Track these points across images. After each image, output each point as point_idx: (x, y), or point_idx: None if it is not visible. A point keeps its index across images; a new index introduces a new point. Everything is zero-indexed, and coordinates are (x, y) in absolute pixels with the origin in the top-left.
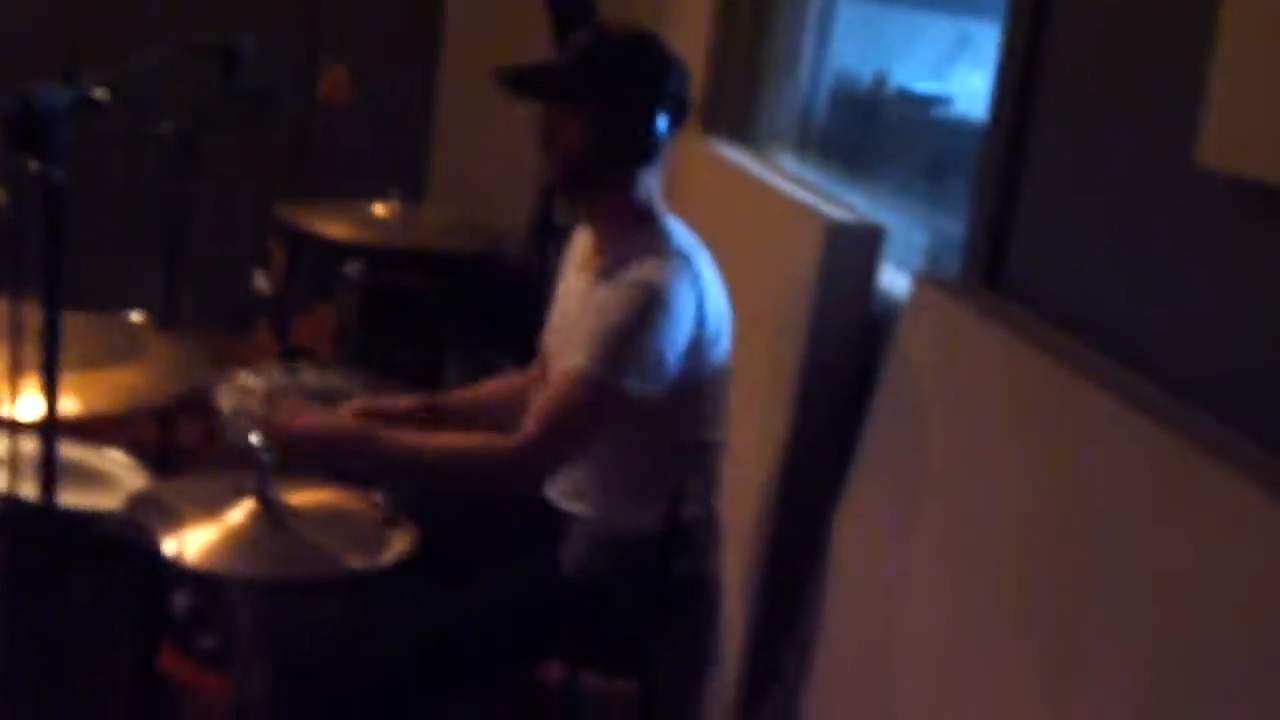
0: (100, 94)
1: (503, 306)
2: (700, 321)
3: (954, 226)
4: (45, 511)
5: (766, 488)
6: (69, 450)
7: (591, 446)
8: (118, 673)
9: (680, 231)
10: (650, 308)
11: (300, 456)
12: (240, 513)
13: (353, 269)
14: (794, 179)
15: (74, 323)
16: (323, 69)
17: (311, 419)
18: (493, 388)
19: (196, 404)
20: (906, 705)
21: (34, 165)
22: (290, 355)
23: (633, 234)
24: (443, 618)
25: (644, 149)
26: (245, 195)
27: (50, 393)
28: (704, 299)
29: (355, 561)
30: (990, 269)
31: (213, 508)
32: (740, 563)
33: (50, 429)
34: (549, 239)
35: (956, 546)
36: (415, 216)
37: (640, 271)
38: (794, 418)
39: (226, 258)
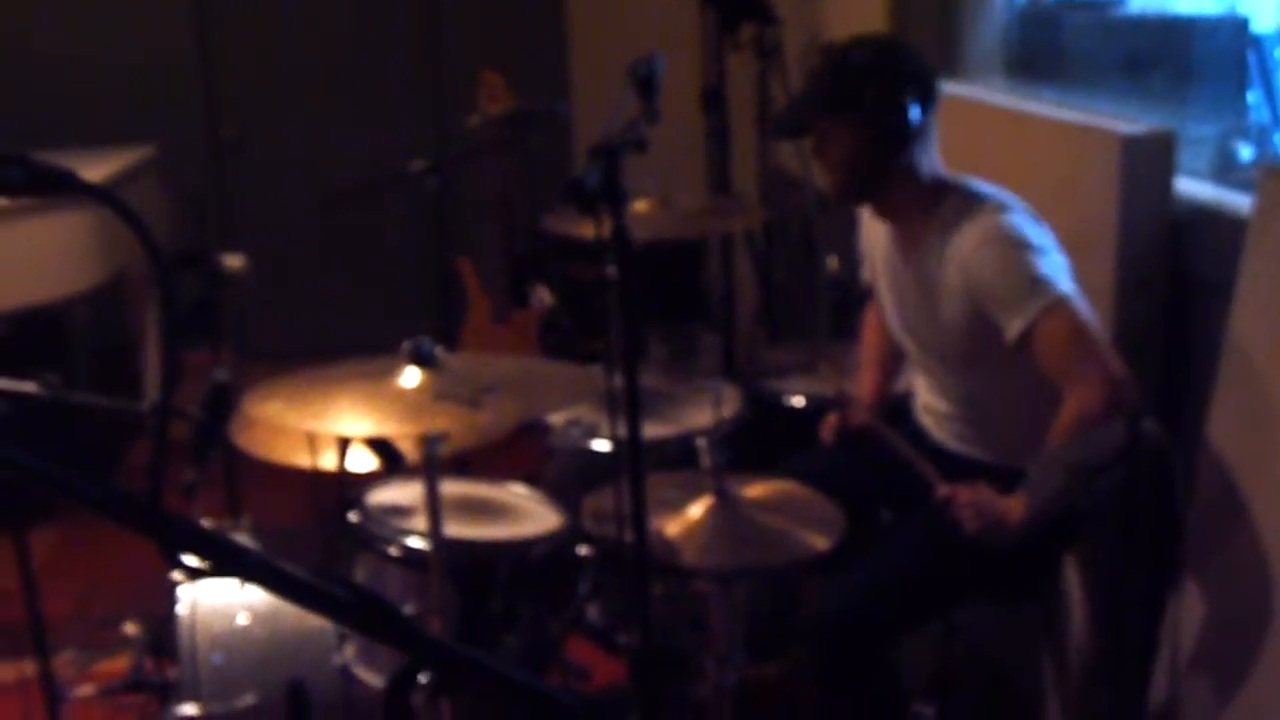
0: None
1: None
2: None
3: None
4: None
5: None
6: (479, 489)
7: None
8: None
9: (985, 187)
10: (1018, 242)
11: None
12: (699, 507)
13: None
14: (1046, 101)
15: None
16: (481, 77)
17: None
18: (875, 341)
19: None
20: None
21: None
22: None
23: (941, 208)
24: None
25: (905, 133)
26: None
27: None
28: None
29: (818, 542)
30: None
31: (673, 507)
32: None
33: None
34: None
35: None
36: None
37: (979, 229)
38: (1116, 333)
39: None
